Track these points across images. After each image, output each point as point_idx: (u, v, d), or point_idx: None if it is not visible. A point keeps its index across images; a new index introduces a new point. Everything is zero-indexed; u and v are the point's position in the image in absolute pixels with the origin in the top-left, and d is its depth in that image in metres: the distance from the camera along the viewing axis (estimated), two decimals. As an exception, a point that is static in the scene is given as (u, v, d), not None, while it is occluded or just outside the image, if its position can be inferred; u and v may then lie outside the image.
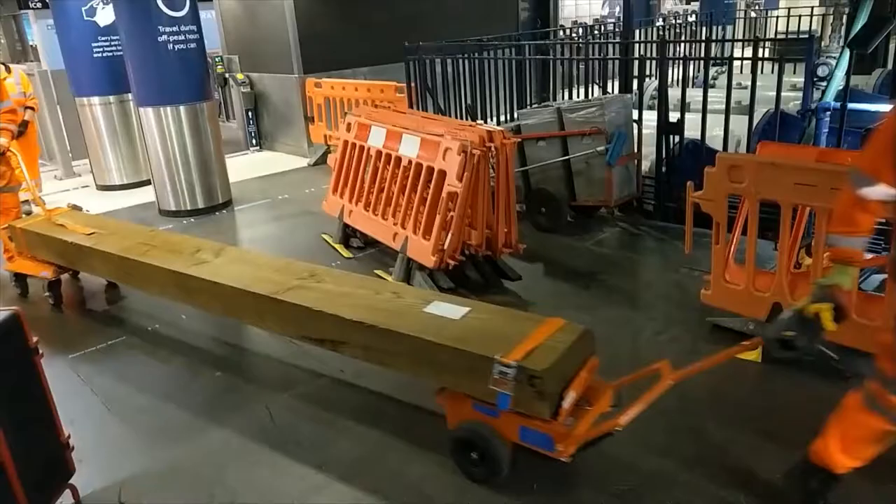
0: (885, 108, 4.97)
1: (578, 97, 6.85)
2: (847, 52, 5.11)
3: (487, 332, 2.70)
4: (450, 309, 2.90)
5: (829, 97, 4.84)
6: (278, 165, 8.67)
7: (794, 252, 3.51)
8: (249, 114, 9.46)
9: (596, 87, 6.89)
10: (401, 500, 2.65)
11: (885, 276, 3.24)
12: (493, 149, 4.29)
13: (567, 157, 5.44)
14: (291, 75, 8.71)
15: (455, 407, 2.75)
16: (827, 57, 7.92)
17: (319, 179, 7.49)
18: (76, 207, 4.96)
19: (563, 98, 7.74)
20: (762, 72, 6.04)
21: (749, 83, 5.31)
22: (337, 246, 5.40)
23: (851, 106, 4.88)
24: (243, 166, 8.56)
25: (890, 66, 7.17)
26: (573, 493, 2.64)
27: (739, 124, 5.60)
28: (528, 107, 6.66)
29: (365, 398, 3.36)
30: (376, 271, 4.78)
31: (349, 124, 5.39)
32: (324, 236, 5.64)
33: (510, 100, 7.30)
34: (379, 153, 4.97)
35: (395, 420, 3.15)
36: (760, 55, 6.57)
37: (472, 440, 2.66)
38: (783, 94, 5.38)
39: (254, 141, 9.59)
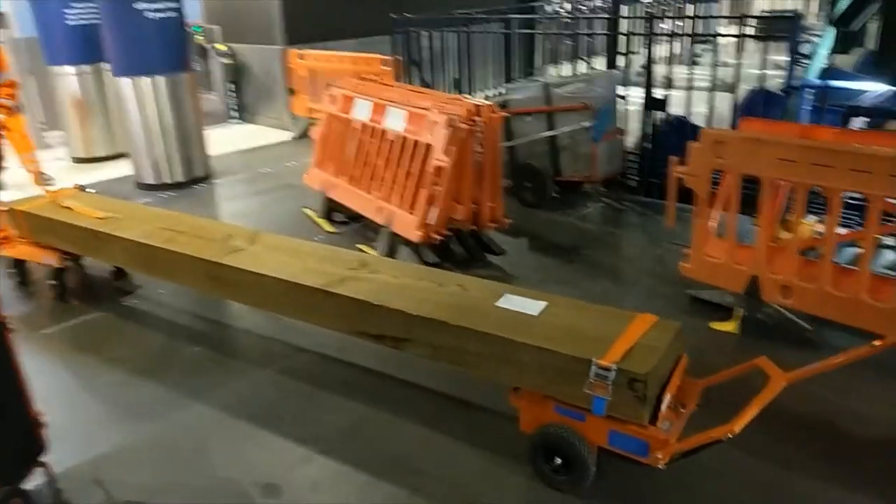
0: (864, 86, 5.03)
1: (565, 72, 6.82)
2: (830, 31, 5.15)
3: (575, 330, 2.50)
4: (525, 303, 2.71)
5: (812, 75, 4.87)
6: (260, 139, 8.56)
7: (773, 227, 3.56)
8: (231, 86, 9.30)
9: (582, 63, 6.87)
10: (386, 473, 2.67)
11: (860, 250, 3.31)
12: (480, 123, 4.26)
13: (553, 133, 5.43)
14: (274, 46, 8.55)
15: (534, 409, 2.55)
16: (811, 35, 7.94)
17: (302, 153, 7.41)
18: (82, 188, 4.58)
19: (549, 73, 7.71)
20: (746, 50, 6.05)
21: (734, 61, 5.33)
22: (319, 220, 5.37)
23: (833, 84, 4.93)
24: (224, 139, 8.44)
25: (870, 46, 7.21)
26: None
27: (724, 101, 5.64)
28: (515, 81, 6.62)
29: (349, 372, 3.37)
30: (359, 246, 4.76)
31: (333, 97, 5.33)
32: (305, 210, 5.60)
33: (497, 74, 7.25)
34: (364, 126, 4.92)
35: (381, 394, 3.17)
36: (746, 33, 6.55)
37: (557, 445, 2.48)
38: (768, 72, 5.41)
39: (235, 114, 9.44)
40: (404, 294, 2.85)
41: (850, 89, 5.02)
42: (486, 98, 6.87)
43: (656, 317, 2.57)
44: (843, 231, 3.42)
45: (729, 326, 3.48)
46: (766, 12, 12.50)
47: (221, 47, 9.19)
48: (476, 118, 4.24)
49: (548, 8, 11.16)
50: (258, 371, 3.41)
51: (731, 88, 5.88)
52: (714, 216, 3.68)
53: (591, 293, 4.01)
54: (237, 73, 9.29)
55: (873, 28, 7.43)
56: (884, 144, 3.53)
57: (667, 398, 2.33)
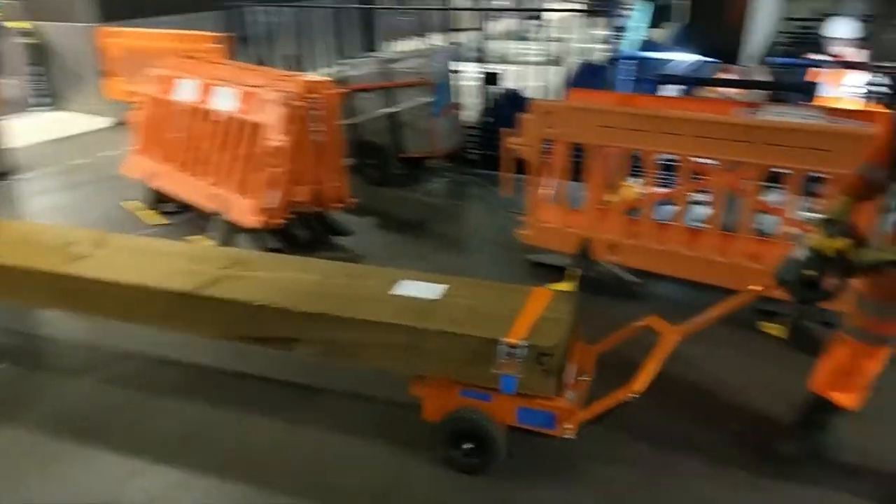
0: (676, 56, 5.49)
1: (403, 48, 6.78)
2: (645, 6, 5.54)
3: (479, 311, 2.45)
4: (423, 288, 2.60)
5: (629, 47, 5.21)
6: (72, 127, 7.66)
7: (601, 191, 3.77)
8: (35, 69, 8.23)
9: (420, 39, 6.87)
10: (235, 474, 2.50)
11: (675, 207, 3.61)
12: (317, 100, 4.11)
13: (393, 109, 5.37)
14: (85, 24, 7.67)
15: (438, 397, 2.45)
16: (629, 10, 8.53)
17: (121, 140, 6.73)
18: None
19: (388, 49, 7.63)
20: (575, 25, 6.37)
21: (565, 35, 5.58)
22: (143, 212, 4.91)
23: (648, 55, 5.32)
24: (29, 129, 7.45)
25: (682, 20, 7.89)
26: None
27: (556, 75, 5.91)
28: (354, 57, 6.48)
29: (188, 373, 3.11)
30: (186, 238, 4.40)
31: (155, 78, 4.88)
32: (127, 203, 5.09)
33: (336, 51, 7.06)
34: (192, 108, 4.55)
35: (226, 393, 2.96)
36: (571, 9, 6.90)
37: (468, 430, 2.41)
38: (594, 45, 5.73)
39: (44, 99, 8.39)
40: (288, 290, 2.64)
41: (664, 60, 5.45)
42: (325, 75, 6.68)
43: (552, 289, 2.58)
44: (660, 190, 3.69)
45: (566, 286, 3.66)
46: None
47: (20, 25, 8.09)
48: (313, 95, 4.07)
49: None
50: (77, 382, 3.05)
51: (559, 62, 6.18)
52: (548, 184, 3.84)
53: (440, 265, 4.04)
54: (41, 55, 8.24)
55: (686, 4, 8.14)
56: (693, 109, 3.88)
57: (570, 368, 2.36)
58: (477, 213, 5.16)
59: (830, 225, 2.14)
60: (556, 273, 3.80)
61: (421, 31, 6.86)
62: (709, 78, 5.34)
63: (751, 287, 2.44)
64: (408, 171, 5.68)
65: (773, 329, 3.31)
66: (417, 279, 2.68)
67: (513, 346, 2.24)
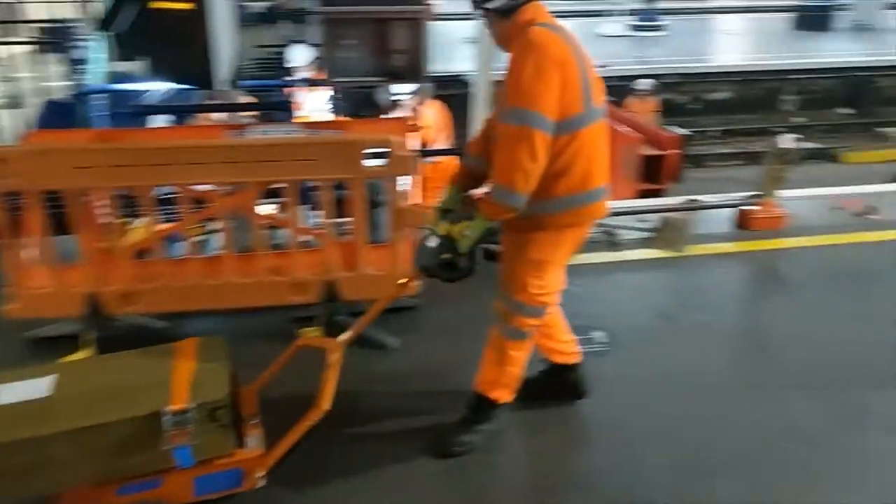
0: (151, 86, 5.25)
1: None
2: (100, 37, 5.14)
3: (117, 389, 2.12)
4: (25, 387, 2.08)
5: (93, 81, 4.80)
6: None
7: (97, 238, 3.32)
8: None
9: None
10: None
11: (187, 239, 3.44)
12: None
13: None
14: None
15: None
16: (88, 42, 7.87)
17: None
18: None
19: None
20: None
21: (18, 74, 4.78)
22: None
23: (121, 87, 4.97)
24: None
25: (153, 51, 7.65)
26: None
27: (12, 118, 5.02)
28: None
29: None
30: None
31: None
32: None
33: None
34: None
35: None
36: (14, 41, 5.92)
37: None
38: (61, 82, 5.07)
39: None
40: None
41: (139, 91, 5.14)
42: None
43: (197, 337, 2.41)
44: (166, 226, 3.45)
45: (82, 354, 3.14)
46: (46, 21, 11.76)
47: None
48: None
49: None
50: None
51: (17, 104, 5.30)
52: (28, 243, 3.20)
53: None
54: None
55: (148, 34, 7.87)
56: (183, 137, 3.76)
57: (244, 415, 2.27)
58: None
59: (447, 214, 2.44)
60: (68, 343, 3.22)
61: None
62: (193, 105, 5.29)
63: (399, 282, 2.60)
64: None
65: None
66: (13, 380, 2.15)
67: (180, 412, 2.01)
